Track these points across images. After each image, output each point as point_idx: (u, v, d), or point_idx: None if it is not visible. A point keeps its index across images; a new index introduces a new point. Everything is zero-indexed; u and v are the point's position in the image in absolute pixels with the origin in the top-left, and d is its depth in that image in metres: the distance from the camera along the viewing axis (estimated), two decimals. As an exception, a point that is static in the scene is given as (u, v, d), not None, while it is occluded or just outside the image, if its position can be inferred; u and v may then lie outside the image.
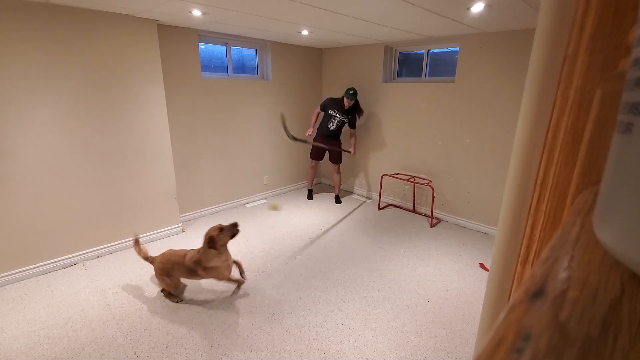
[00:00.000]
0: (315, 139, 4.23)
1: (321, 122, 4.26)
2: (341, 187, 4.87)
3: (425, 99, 3.93)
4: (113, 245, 3.09)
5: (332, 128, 4.16)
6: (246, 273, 2.75)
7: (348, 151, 4.28)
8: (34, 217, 2.63)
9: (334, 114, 4.10)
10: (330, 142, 4.24)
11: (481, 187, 3.67)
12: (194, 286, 2.59)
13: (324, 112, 4.22)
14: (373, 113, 4.49)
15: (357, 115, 4.20)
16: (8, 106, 2.39)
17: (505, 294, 0.56)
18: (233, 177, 4.22)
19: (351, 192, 5.03)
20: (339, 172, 4.46)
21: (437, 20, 2.81)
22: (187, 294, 2.50)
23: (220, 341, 2.05)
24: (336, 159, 4.36)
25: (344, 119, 4.12)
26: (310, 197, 4.65)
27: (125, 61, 2.86)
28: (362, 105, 4.37)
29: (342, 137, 4.41)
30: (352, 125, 4.20)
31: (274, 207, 3.59)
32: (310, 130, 4.14)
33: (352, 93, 3.94)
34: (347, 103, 3.99)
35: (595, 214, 0.22)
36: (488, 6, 2.35)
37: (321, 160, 4.44)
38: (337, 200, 4.55)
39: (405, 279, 2.76)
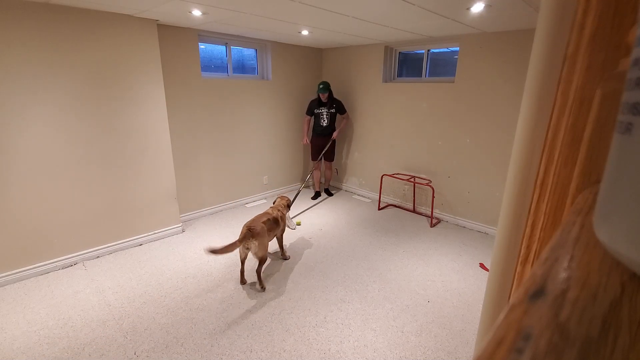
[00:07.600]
0: (311, 141, 4.52)
1: (314, 125, 4.48)
2: (342, 187, 5.17)
3: (425, 99, 3.93)
4: (113, 245, 3.09)
5: (324, 124, 4.38)
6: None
7: (334, 140, 4.54)
8: (34, 217, 2.63)
9: (320, 111, 4.35)
10: (325, 141, 4.46)
11: (481, 187, 3.67)
12: (193, 287, 2.60)
13: (313, 116, 4.43)
14: (373, 113, 4.49)
15: (341, 102, 4.41)
16: (8, 106, 2.39)
17: (505, 294, 0.56)
18: (233, 177, 4.22)
19: (351, 192, 5.03)
20: (331, 168, 4.75)
21: (437, 20, 2.81)
22: (187, 294, 2.50)
23: (220, 341, 2.05)
24: (329, 156, 4.57)
25: (331, 110, 4.33)
26: (316, 197, 4.74)
27: (125, 61, 2.86)
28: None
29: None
30: (342, 111, 4.40)
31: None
32: (305, 139, 4.47)
33: (322, 87, 4.15)
34: (323, 97, 4.23)
35: (595, 214, 0.22)
36: (488, 6, 2.35)
37: (322, 159, 4.61)
38: (329, 193, 4.82)
39: (405, 279, 2.76)
